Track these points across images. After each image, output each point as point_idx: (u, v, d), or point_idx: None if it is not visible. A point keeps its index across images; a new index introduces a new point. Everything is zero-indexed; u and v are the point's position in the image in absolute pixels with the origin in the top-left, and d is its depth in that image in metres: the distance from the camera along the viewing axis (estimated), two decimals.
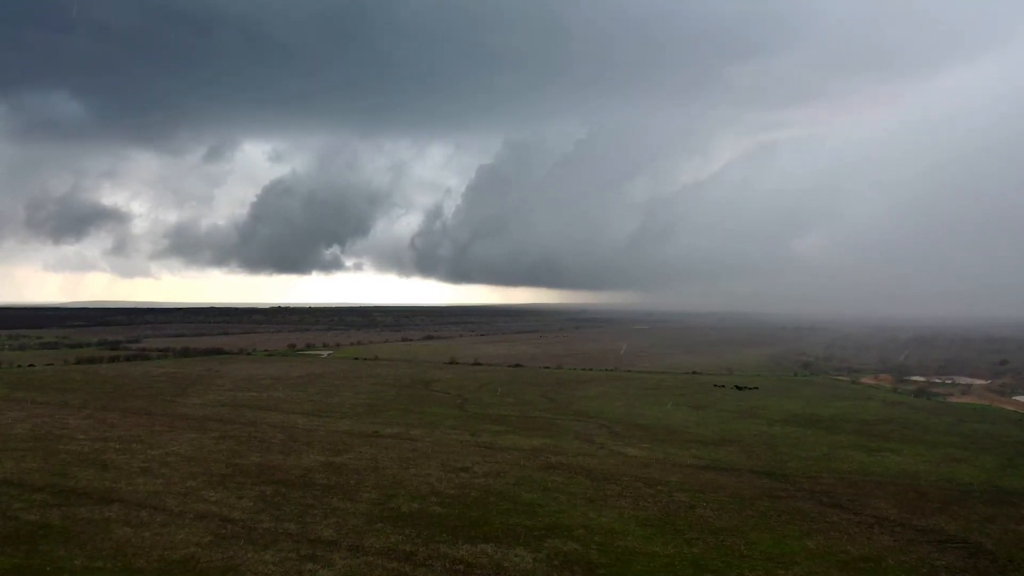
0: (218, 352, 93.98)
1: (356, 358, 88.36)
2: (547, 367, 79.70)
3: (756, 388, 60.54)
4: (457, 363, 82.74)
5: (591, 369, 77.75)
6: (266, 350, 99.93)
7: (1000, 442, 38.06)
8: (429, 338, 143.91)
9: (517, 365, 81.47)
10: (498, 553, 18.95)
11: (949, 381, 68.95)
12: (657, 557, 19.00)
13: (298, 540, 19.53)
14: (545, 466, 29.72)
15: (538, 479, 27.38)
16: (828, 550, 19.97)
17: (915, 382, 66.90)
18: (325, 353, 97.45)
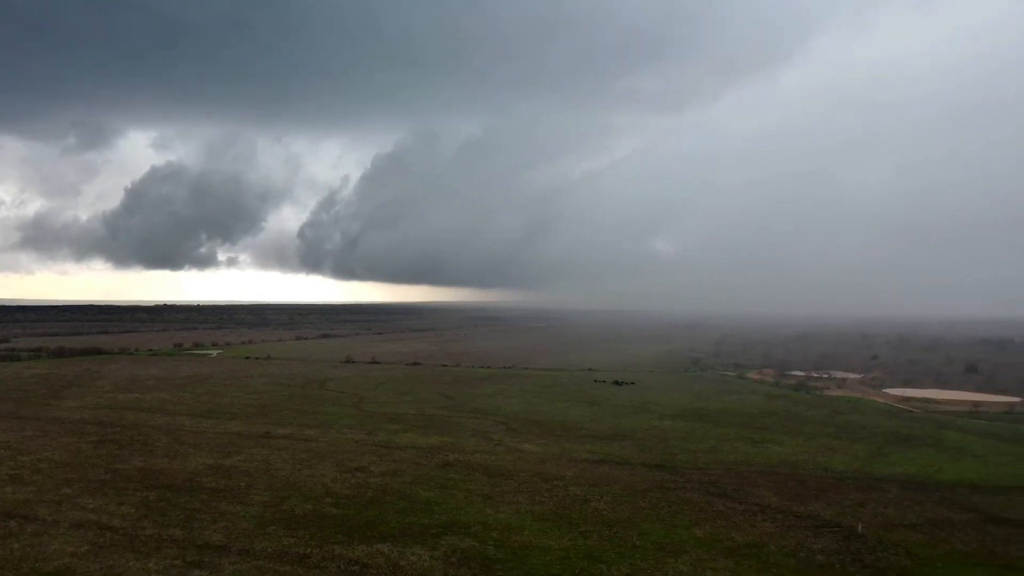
0: (97, 352, 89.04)
1: (247, 357, 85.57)
2: (445, 365, 79.52)
3: (633, 383, 62.31)
4: (353, 362, 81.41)
5: (488, 367, 78.08)
6: (150, 349, 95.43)
7: (871, 432, 40.54)
8: (325, 336, 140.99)
9: (415, 363, 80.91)
10: (394, 552, 18.76)
11: (826, 375, 72.98)
12: (552, 550, 19.26)
13: (184, 546, 18.75)
14: (442, 464, 29.65)
15: (435, 477, 27.28)
16: (715, 538, 20.77)
17: (795, 377, 70.48)
18: (214, 352, 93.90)
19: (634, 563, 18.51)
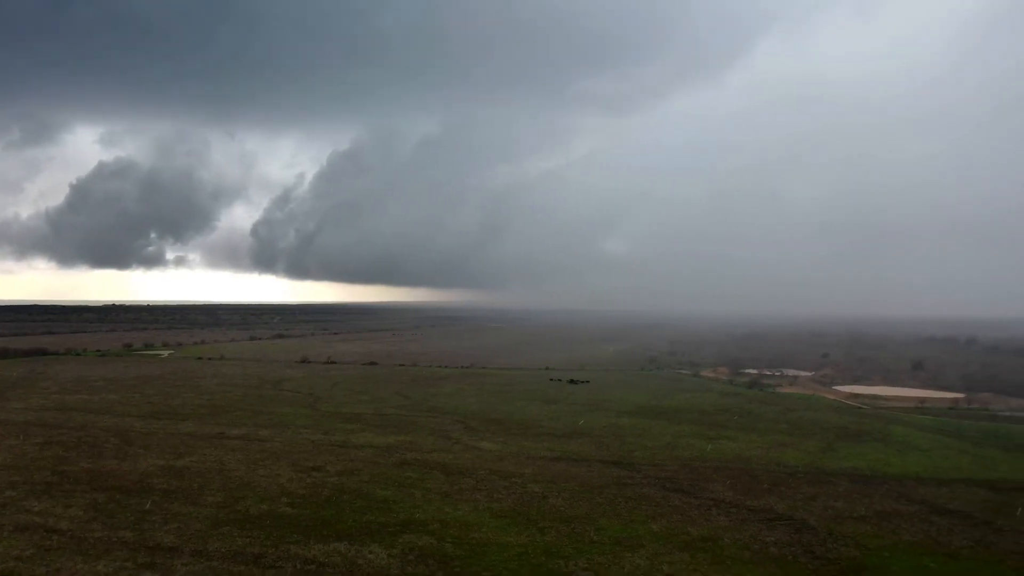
0: (42, 353, 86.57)
1: (200, 358, 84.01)
2: (402, 365, 79.11)
3: (587, 382, 62.76)
4: (309, 362, 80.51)
5: (446, 367, 77.91)
6: (98, 350, 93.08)
7: (821, 428, 41.43)
8: (280, 336, 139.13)
9: (371, 363, 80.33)
10: (351, 551, 18.60)
11: (778, 373, 74.38)
12: (510, 547, 19.29)
13: (135, 548, 18.33)
14: (400, 463, 29.48)
15: (393, 476, 27.12)
16: (671, 532, 21.02)
17: (748, 374, 71.69)
18: (165, 353, 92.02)
19: (591, 558, 18.63)
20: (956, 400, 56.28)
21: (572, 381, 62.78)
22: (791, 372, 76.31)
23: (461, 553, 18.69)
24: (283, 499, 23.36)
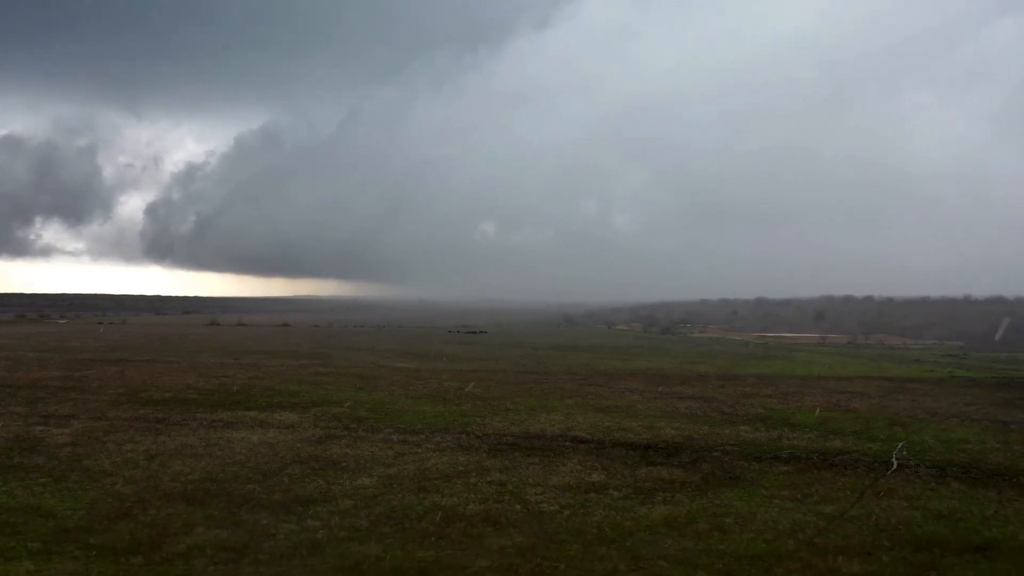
0: None
1: (100, 323, 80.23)
2: (317, 326, 77.68)
3: (485, 332, 62.90)
4: (219, 324, 78.07)
5: (363, 326, 76.94)
6: None
7: (730, 353, 42.91)
8: (187, 312, 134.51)
9: (284, 325, 78.52)
10: (261, 415, 18.09)
11: (690, 325, 76.49)
12: (427, 413, 19.15)
13: (26, 416, 17.31)
14: (313, 373, 28.87)
15: (305, 378, 26.60)
16: (586, 404, 21.30)
17: (661, 326, 73.44)
18: (62, 320, 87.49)
19: (506, 417, 18.67)
20: (854, 337, 59.12)
21: (471, 332, 62.69)
22: (701, 325, 78.57)
23: (376, 416, 18.43)
24: (189, 391, 22.49)
